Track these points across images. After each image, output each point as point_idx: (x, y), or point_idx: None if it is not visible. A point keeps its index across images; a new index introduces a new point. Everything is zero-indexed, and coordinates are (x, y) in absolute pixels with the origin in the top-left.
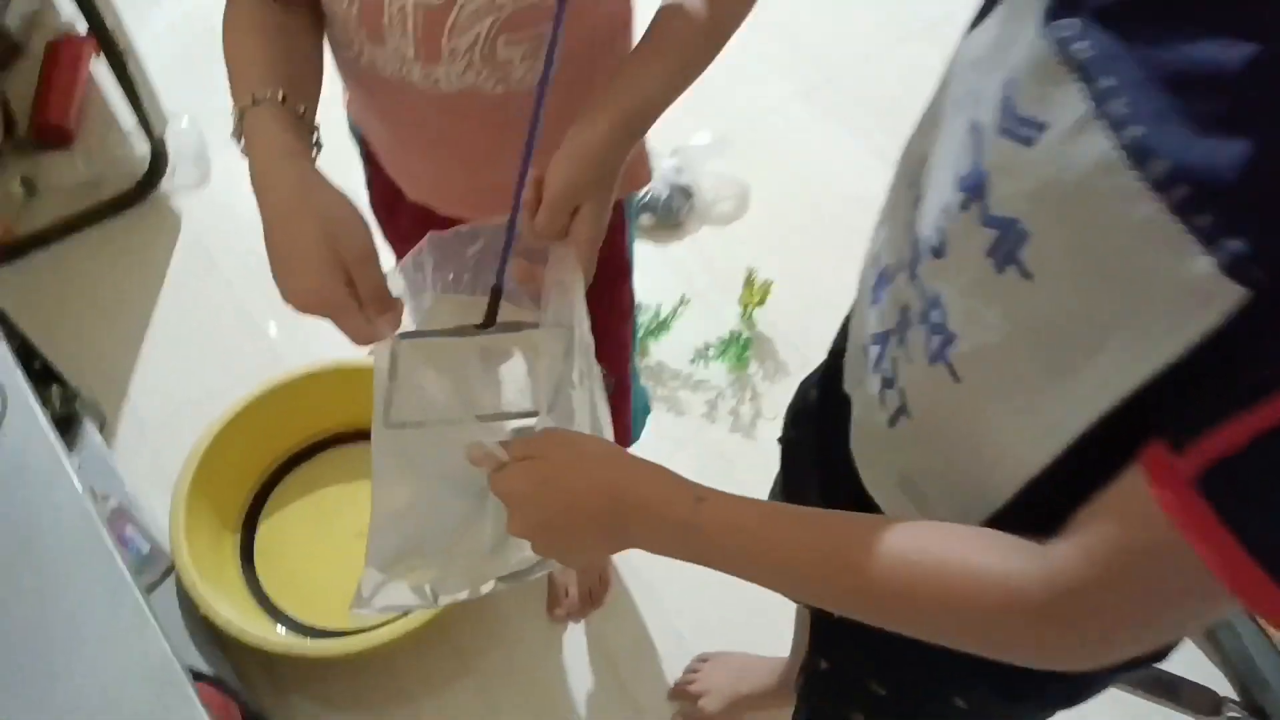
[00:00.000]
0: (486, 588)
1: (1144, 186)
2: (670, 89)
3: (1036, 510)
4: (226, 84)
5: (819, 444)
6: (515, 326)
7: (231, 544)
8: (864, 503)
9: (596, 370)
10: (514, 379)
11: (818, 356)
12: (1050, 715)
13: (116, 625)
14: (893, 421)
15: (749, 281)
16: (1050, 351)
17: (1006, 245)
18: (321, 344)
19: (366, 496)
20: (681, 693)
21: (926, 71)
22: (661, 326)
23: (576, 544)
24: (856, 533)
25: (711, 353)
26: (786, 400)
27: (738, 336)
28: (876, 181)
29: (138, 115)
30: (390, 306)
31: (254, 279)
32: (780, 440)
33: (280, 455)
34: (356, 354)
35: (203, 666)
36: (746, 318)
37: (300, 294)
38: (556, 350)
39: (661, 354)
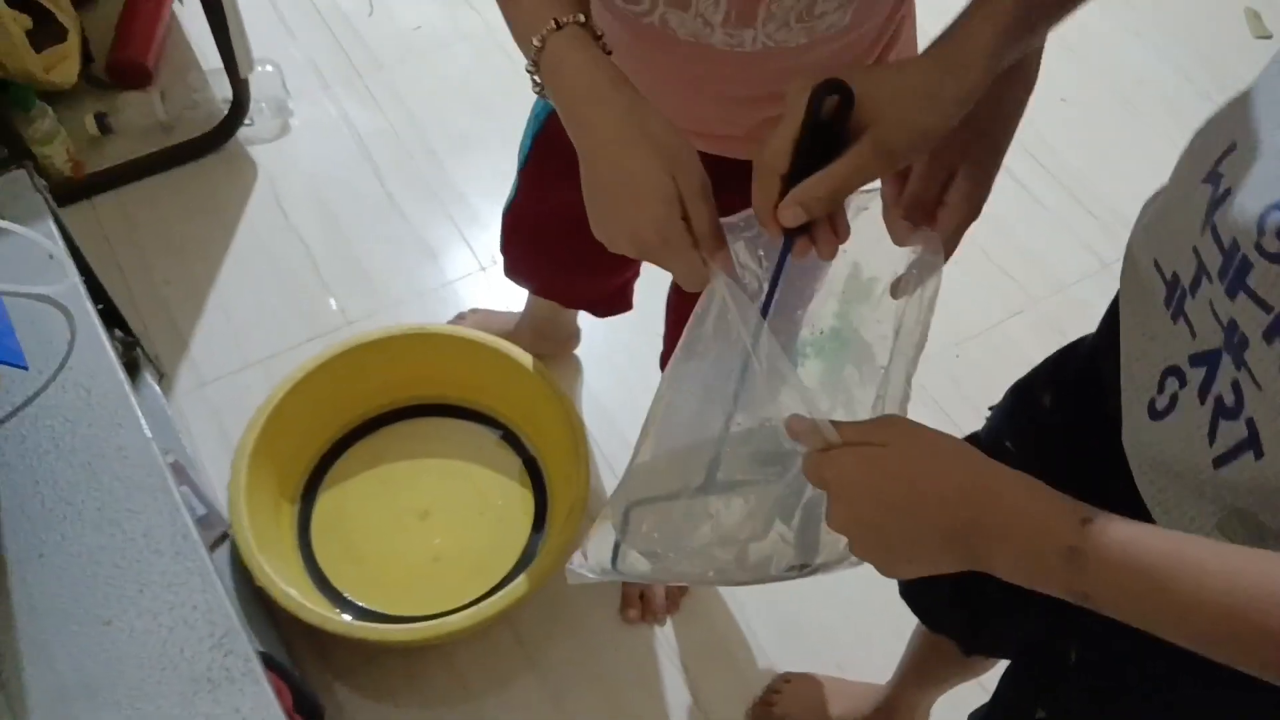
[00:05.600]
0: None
1: None
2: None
3: None
4: (306, 34)
5: (1051, 465)
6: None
7: (290, 514)
8: None
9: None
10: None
11: None
12: None
13: (178, 581)
14: (1222, 461)
15: None
16: None
17: None
18: (395, 313)
19: (432, 475)
20: (764, 713)
21: None
22: None
23: (911, 553)
24: None
25: None
26: None
27: None
28: None
29: (224, 56)
30: (724, 244)
31: (328, 239)
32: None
33: (346, 424)
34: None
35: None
36: None
37: (634, 230)
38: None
39: None
